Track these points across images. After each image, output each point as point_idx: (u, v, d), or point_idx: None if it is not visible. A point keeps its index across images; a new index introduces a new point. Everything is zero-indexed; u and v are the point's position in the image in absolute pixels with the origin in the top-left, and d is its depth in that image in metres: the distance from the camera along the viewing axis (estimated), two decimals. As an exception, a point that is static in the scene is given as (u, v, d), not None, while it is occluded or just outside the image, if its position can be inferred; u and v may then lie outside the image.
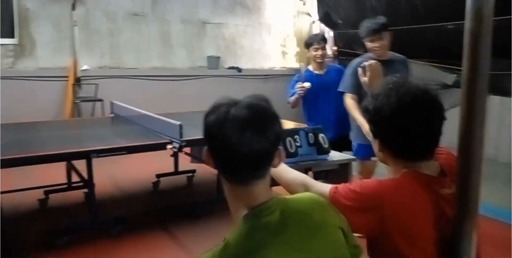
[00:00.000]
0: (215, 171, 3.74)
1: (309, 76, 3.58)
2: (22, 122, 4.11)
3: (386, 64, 2.85)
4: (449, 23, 5.30)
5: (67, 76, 5.92)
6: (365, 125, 2.71)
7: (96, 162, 3.08)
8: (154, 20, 6.65)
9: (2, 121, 4.15)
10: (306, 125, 3.39)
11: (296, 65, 7.82)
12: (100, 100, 5.82)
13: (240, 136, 0.91)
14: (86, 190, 3.44)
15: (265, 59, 7.84)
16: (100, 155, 2.99)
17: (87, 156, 3.00)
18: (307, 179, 1.37)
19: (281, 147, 1.00)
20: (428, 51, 5.16)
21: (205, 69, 7.06)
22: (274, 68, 7.89)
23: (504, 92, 4.25)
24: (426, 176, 1.19)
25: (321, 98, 3.57)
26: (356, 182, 1.23)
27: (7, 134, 3.48)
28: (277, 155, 0.99)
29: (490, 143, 5.29)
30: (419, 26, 5.26)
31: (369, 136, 1.35)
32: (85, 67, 6.05)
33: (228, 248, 0.91)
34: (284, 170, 1.39)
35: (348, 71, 3.18)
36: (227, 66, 7.30)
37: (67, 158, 3.19)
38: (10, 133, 3.57)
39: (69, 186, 3.91)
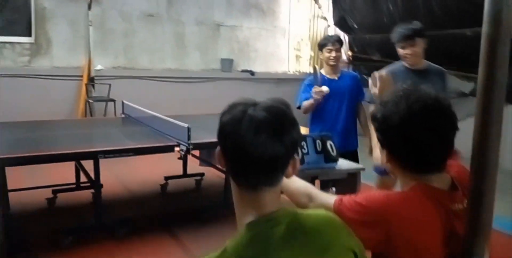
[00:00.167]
0: (223, 175, 3.75)
1: (321, 81, 3.24)
2: (34, 121, 4.15)
3: (419, 75, 2.76)
4: (468, 29, 5.19)
5: (81, 76, 5.97)
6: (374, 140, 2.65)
7: (105, 162, 3.07)
8: (168, 22, 6.67)
9: (16, 119, 4.20)
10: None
11: (310, 69, 7.75)
12: (113, 100, 5.83)
13: (255, 137, 0.86)
14: (93, 190, 3.42)
15: (278, 63, 7.80)
16: (107, 155, 2.98)
17: (94, 156, 2.99)
18: (312, 189, 1.32)
19: (297, 157, 0.96)
20: (445, 58, 5.05)
21: (218, 72, 7.05)
22: (288, 72, 7.84)
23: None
24: (436, 190, 1.12)
25: (330, 106, 3.22)
26: (363, 194, 1.17)
27: (19, 132, 3.51)
28: (291, 163, 0.95)
29: (505, 154, 5.12)
30: (437, 32, 5.15)
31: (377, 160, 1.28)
32: (99, 67, 6.10)
33: (225, 255, 0.87)
34: (289, 178, 1.34)
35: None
36: (240, 69, 7.29)
37: (74, 158, 3.19)
38: (22, 130, 3.61)
39: (78, 186, 3.91)
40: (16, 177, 3.35)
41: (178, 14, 6.74)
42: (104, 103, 5.97)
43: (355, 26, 7.24)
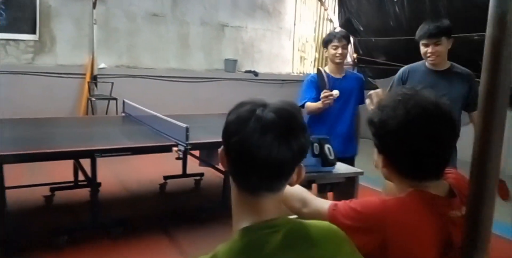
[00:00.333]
0: (223, 175, 3.71)
1: (325, 79, 3.01)
2: (35, 118, 4.15)
3: (440, 76, 2.63)
4: (475, 34, 5.13)
5: (84, 74, 5.96)
6: None
7: (105, 160, 3.04)
8: (173, 21, 6.65)
9: (18, 116, 4.20)
10: None
11: (314, 71, 7.72)
12: (115, 99, 5.82)
13: (261, 138, 0.82)
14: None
15: (283, 64, 7.76)
16: (104, 154, 2.95)
17: (91, 155, 2.96)
18: (307, 194, 1.27)
19: (303, 165, 0.91)
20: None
21: (221, 72, 7.02)
22: (292, 74, 7.80)
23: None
24: (434, 197, 1.09)
25: (332, 107, 2.94)
26: (358, 200, 1.14)
27: (19, 129, 3.50)
28: (296, 171, 0.91)
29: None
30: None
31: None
32: (102, 65, 6.09)
33: None
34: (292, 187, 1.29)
35: (394, 79, 2.86)
36: (244, 70, 7.25)
37: (71, 156, 3.17)
38: (22, 128, 3.60)
39: (76, 184, 3.88)
40: (14, 174, 3.33)
41: (182, 14, 6.72)
42: (106, 101, 5.95)
43: (361, 28, 7.19)
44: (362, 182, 2.51)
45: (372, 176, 1.21)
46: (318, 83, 2.96)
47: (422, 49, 2.63)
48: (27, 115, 4.36)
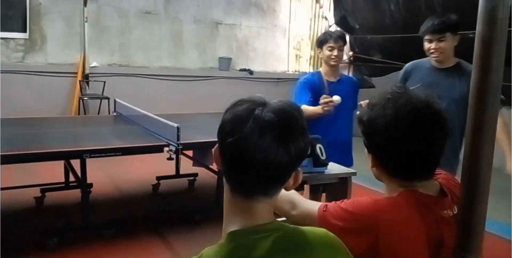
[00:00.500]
0: (216, 176, 3.67)
1: (317, 81, 2.83)
2: (24, 118, 4.10)
3: (445, 74, 2.53)
4: (470, 32, 5.09)
5: (75, 73, 5.89)
6: None
7: (97, 161, 3.01)
8: (166, 19, 6.59)
9: (8, 116, 4.14)
10: None
11: (310, 69, 7.68)
12: (106, 98, 5.76)
13: (258, 139, 0.79)
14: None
15: (278, 62, 7.72)
16: (93, 155, 2.90)
17: (80, 156, 2.92)
18: (295, 195, 1.24)
19: (300, 169, 0.88)
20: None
21: (216, 71, 6.98)
22: (287, 72, 7.75)
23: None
24: (425, 196, 1.07)
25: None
26: (349, 201, 1.11)
27: (8, 129, 3.43)
28: (293, 175, 0.86)
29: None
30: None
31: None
32: (94, 64, 6.02)
33: None
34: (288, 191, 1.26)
35: (399, 75, 2.76)
36: (238, 68, 7.21)
37: (60, 157, 3.12)
38: (12, 128, 3.53)
39: (67, 185, 3.83)
40: (4, 175, 3.28)
41: (176, 11, 6.66)
42: (98, 101, 5.90)
43: (357, 26, 7.15)
44: (358, 181, 2.48)
45: (368, 175, 1.18)
46: (313, 84, 2.79)
47: (426, 45, 2.53)
48: (18, 115, 4.31)
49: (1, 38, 5.53)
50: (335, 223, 1.05)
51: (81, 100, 5.88)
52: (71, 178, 3.71)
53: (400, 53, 5.64)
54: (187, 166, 4.27)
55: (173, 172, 4.31)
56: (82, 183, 3.12)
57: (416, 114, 1.04)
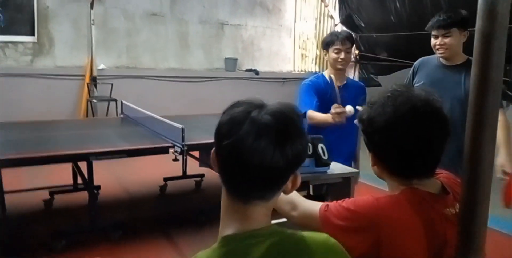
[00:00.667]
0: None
1: (322, 85, 2.64)
2: (33, 121, 4.13)
3: (453, 71, 2.44)
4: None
5: (83, 75, 5.93)
6: None
7: (105, 163, 3.03)
8: (172, 21, 6.61)
9: (18, 119, 4.19)
10: None
11: (316, 69, 7.64)
12: (114, 100, 5.79)
13: (254, 142, 0.77)
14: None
15: (283, 62, 7.70)
16: (100, 157, 2.92)
17: (87, 158, 2.94)
18: (296, 196, 1.23)
19: (298, 172, 0.86)
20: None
21: (222, 71, 6.98)
22: (293, 72, 7.73)
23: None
24: (427, 195, 1.07)
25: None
26: (350, 199, 1.11)
27: (17, 133, 3.48)
28: (292, 179, 0.85)
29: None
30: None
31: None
32: (101, 66, 6.05)
33: None
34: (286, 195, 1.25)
35: (409, 72, 2.68)
36: (244, 69, 7.20)
37: (67, 159, 3.14)
38: (20, 131, 3.58)
39: (75, 187, 3.86)
40: (14, 178, 3.31)
41: (181, 13, 6.68)
42: (106, 103, 5.93)
43: (362, 24, 7.11)
44: (363, 179, 2.45)
45: (373, 173, 1.19)
46: (319, 88, 2.62)
47: (432, 41, 2.45)
48: (27, 118, 4.36)
49: (10, 42, 5.58)
50: (337, 222, 1.04)
51: (89, 103, 5.91)
52: (80, 180, 3.74)
53: (406, 51, 5.60)
54: (194, 166, 4.28)
55: (180, 173, 4.33)
56: (89, 185, 3.14)
57: (416, 113, 1.03)
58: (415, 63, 2.67)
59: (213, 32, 6.98)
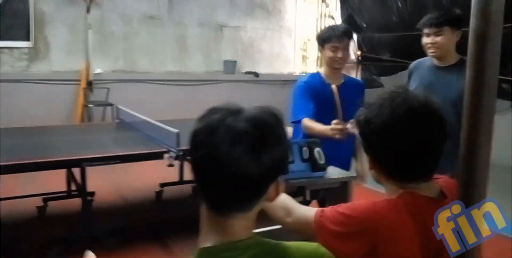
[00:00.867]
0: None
1: (318, 86, 2.45)
2: (29, 127, 4.10)
3: (445, 72, 2.35)
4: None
5: (80, 80, 5.89)
6: None
7: (100, 169, 2.97)
8: (170, 23, 6.56)
9: (14, 125, 4.16)
10: None
11: (317, 70, 7.57)
12: (110, 104, 5.73)
13: (229, 150, 0.74)
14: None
15: (284, 64, 7.63)
16: (93, 163, 2.87)
17: (80, 164, 2.89)
18: (290, 201, 1.20)
19: (281, 179, 0.82)
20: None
21: (221, 74, 6.92)
22: (294, 73, 7.66)
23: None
24: (425, 198, 1.06)
25: (328, 120, 2.21)
26: (346, 204, 1.10)
27: (12, 139, 3.44)
28: (274, 187, 0.81)
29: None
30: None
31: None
32: (98, 70, 6.00)
33: None
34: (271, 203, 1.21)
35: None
36: (244, 71, 7.13)
37: (60, 166, 3.10)
38: (15, 137, 3.53)
39: (69, 194, 3.80)
40: (7, 184, 3.27)
41: (179, 15, 6.62)
42: (102, 108, 5.89)
43: (364, 25, 7.03)
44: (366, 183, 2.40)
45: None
46: (315, 89, 2.43)
47: (423, 39, 2.36)
48: (24, 124, 4.31)
49: (6, 47, 5.55)
50: (332, 228, 1.02)
51: (85, 108, 5.87)
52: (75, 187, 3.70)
53: (408, 52, 5.51)
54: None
55: (177, 178, 4.27)
56: (82, 192, 3.10)
57: (413, 114, 1.02)
58: (410, 66, 2.60)
59: (212, 34, 6.92)
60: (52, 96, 5.69)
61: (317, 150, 1.97)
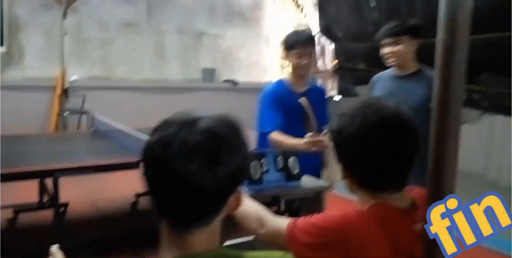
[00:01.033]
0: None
1: (285, 93, 2.40)
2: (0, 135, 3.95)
3: (402, 81, 2.38)
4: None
5: (55, 87, 5.77)
6: None
7: (75, 179, 2.90)
8: (148, 30, 6.52)
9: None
10: None
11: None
12: (85, 112, 5.63)
13: (185, 164, 0.72)
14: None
15: (262, 72, 7.66)
16: (66, 174, 2.80)
17: (52, 174, 2.81)
18: (263, 213, 1.19)
19: (240, 190, 0.80)
20: (431, 67, 4.87)
21: (199, 82, 6.89)
22: (272, 82, 7.69)
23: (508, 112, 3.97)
24: (396, 210, 1.06)
25: (289, 128, 2.23)
26: (319, 215, 1.09)
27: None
28: (234, 198, 0.80)
29: (492, 165, 4.96)
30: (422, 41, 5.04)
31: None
32: (74, 77, 5.89)
33: None
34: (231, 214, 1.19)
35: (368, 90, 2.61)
36: (222, 79, 7.12)
37: (32, 176, 3.01)
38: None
39: (41, 205, 3.69)
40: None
41: (158, 22, 6.59)
42: (78, 116, 5.77)
43: (340, 34, 7.13)
44: (335, 191, 2.39)
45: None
46: (282, 97, 2.37)
47: (382, 50, 2.38)
48: (-5, 132, 4.18)
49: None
50: (304, 239, 1.02)
51: (60, 116, 5.74)
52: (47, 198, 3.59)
53: (383, 62, 5.61)
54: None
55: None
56: (54, 203, 3.00)
57: (385, 124, 1.03)
58: (371, 80, 2.61)
59: (191, 42, 6.90)
60: (26, 103, 5.56)
61: (291, 160, 1.96)
